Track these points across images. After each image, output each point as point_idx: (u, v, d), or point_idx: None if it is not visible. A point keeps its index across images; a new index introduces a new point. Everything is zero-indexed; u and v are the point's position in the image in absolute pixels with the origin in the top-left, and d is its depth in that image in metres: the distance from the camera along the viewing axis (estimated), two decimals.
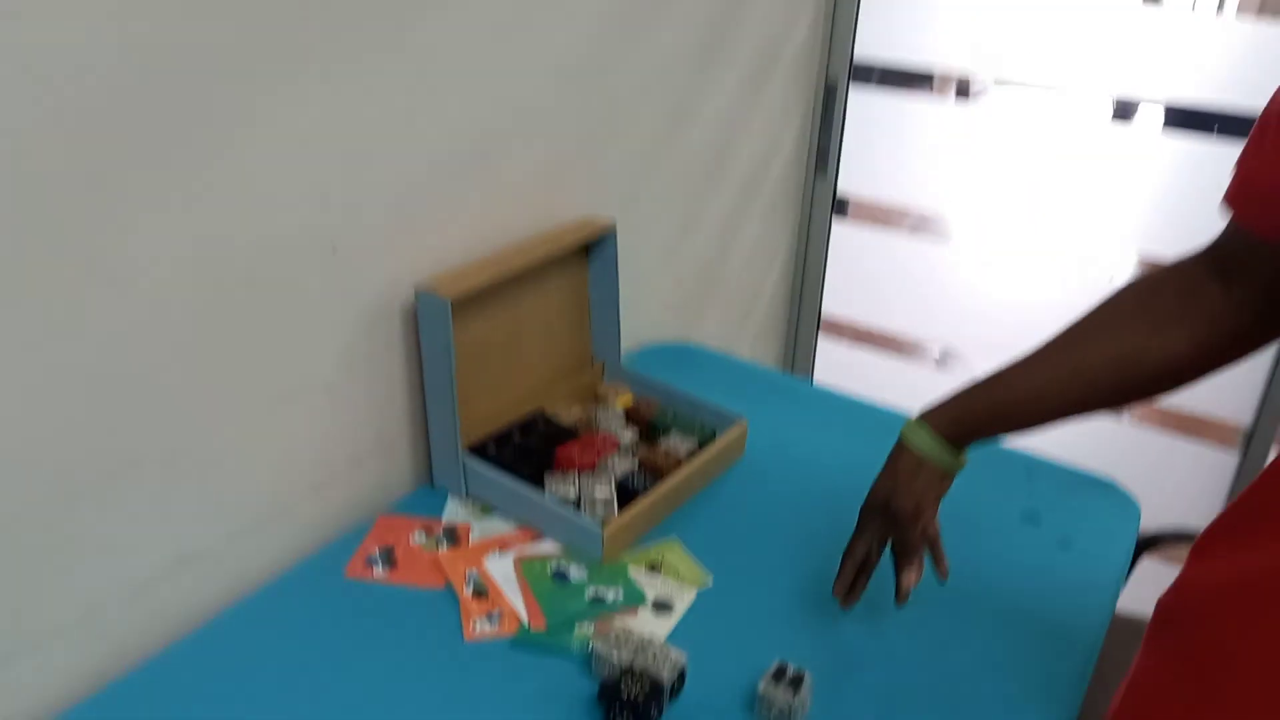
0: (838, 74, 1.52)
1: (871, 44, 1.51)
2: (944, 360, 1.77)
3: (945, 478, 0.77)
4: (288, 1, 0.72)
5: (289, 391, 0.84)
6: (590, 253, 1.11)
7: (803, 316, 1.71)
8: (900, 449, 0.77)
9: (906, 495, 0.76)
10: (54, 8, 0.58)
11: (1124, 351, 0.66)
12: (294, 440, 0.86)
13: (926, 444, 0.75)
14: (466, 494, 0.97)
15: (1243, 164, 0.59)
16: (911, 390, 1.48)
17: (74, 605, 0.73)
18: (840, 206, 1.63)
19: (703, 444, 1.04)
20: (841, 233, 1.66)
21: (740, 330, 1.60)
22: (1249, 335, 0.63)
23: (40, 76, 0.59)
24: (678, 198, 1.32)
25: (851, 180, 1.61)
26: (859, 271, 1.68)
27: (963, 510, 0.87)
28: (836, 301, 1.72)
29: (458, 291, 0.89)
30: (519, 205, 1.03)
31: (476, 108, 0.93)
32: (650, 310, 1.34)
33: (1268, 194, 0.58)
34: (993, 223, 1.58)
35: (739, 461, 1.07)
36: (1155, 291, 0.66)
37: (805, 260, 1.66)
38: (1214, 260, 0.64)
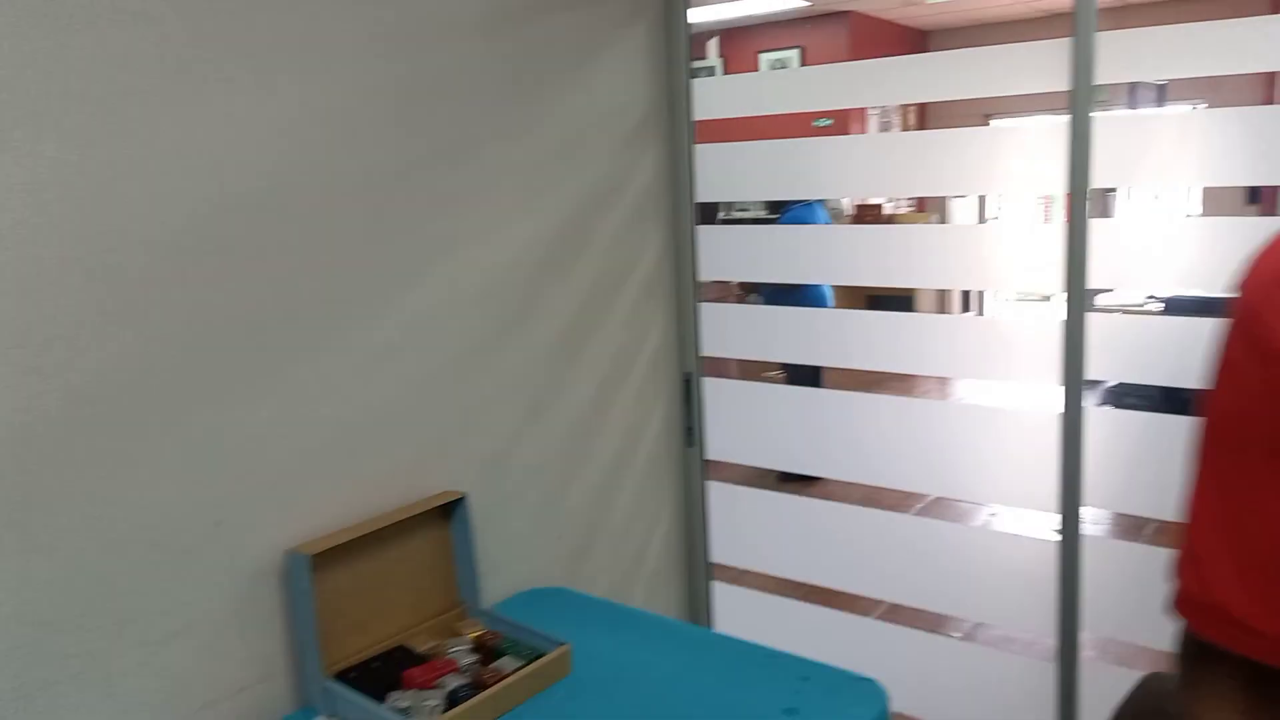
0: (691, 367, 1.91)
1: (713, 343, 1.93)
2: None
3: None
4: (187, 344, 1.13)
5: (182, 629, 1.15)
6: (452, 517, 1.44)
7: (694, 567, 1.97)
8: None
9: None
10: None
11: None
12: (187, 668, 1.16)
13: None
14: (329, 712, 1.23)
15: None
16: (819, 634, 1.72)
17: None
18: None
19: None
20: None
21: (632, 579, 1.87)
22: None
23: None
24: (548, 469, 1.66)
25: (724, 448, 1.95)
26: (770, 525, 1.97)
27: (730, 703, 1.10)
28: (748, 555, 1.99)
29: (318, 549, 1.22)
30: (385, 483, 1.38)
31: (348, 412, 1.32)
32: (530, 561, 1.64)
33: None
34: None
35: (567, 681, 1.31)
36: None
37: (689, 517, 1.96)
38: None
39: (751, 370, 2.61)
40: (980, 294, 7.44)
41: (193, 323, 1.14)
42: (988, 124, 7.12)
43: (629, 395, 1.82)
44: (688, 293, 1.89)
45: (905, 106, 7.69)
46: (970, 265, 1.73)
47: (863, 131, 7.34)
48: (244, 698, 1.23)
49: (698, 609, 1.99)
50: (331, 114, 1.27)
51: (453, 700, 1.21)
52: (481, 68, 1.48)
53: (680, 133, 1.84)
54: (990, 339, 1.71)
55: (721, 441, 1.98)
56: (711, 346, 1.95)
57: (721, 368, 1.98)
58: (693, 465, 1.95)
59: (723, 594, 2.04)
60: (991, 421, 1.74)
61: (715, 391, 1.97)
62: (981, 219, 6.44)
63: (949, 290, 6.97)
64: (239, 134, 1.17)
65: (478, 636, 1.37)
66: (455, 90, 1.44)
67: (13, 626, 1.01)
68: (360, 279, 1.33)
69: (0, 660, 1.00)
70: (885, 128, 7.53)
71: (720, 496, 2.00)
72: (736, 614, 2.02)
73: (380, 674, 1.28)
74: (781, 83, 1.94)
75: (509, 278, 1.56)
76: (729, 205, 6.80)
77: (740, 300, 4.51)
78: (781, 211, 4.65)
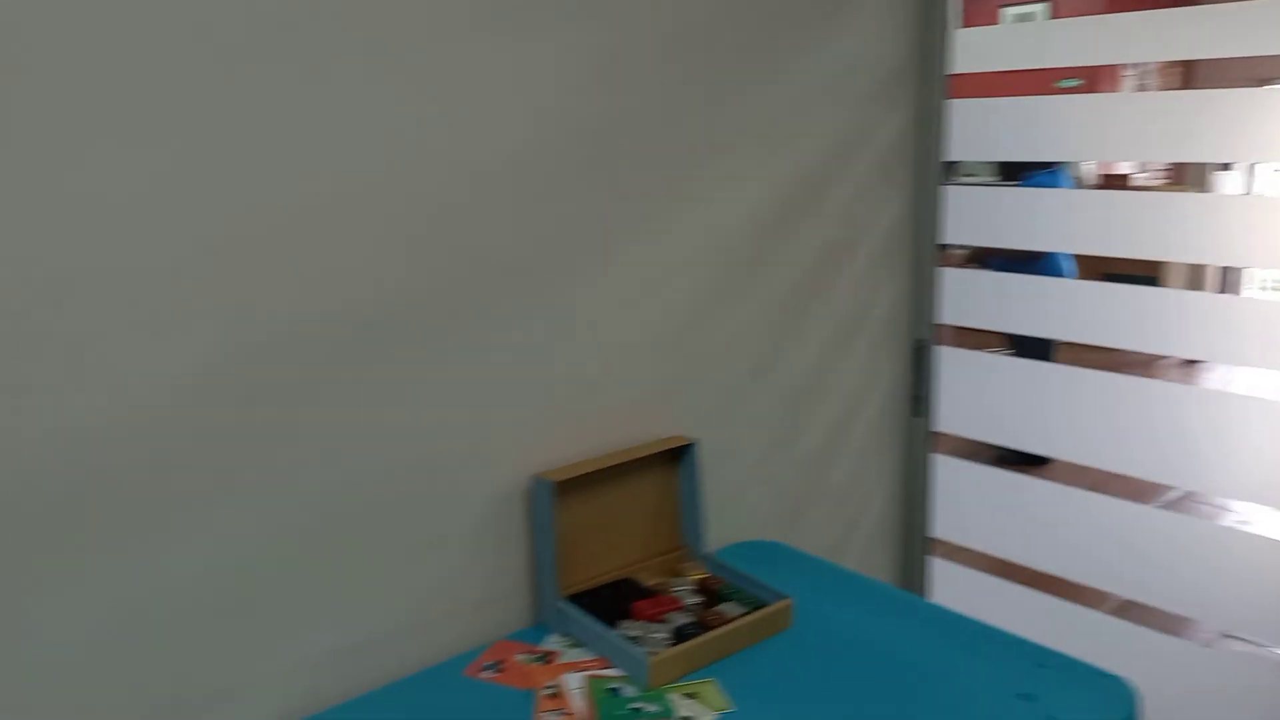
0: (924, 334, 1.84)
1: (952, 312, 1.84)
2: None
3: None
4: (450, 295, 1.22)
5: (438, 541, 1.26)
6: (679, 462, 1.48)
7: (910, 538, 1.92)
8: None
9: None
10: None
11: None
12: (439, 577, 1.27)
13: None
14: (562, 631, 1.31)
15: None
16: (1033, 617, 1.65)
17: (278, 667, 1.15)
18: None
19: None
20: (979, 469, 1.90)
21: (845, 544, 1.84)
22: None
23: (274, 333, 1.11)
24: (769, 424, 1.67)
25: (953, 420, 1.88)
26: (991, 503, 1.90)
27: (957, 677, 1.08)
28: (969, 532, 1.92)
29: (561, 478, 1.29)
30: (619, 423, 1.44)
31: (590, 353, 1.38)
32: (747, 513, 1.65)
33: None
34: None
35: (787, 634, 1.32)
36: None
37: (909, 488, 1.90)
38: None
39: (968, 341, 2.47)
40: (1238, 276, 6.68)
41: (459, 263, 1.23)
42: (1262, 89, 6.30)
43: (857, 357, 1.79)
44: (927, 256, 1.82)
45: (1166, 67, 6.95)
46: (1253, 241, 1.55)
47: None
48: (485, 610, 1.33)
49: (911, 581, 1.95)
50: (591, 68, 1.31)
51: (679, 636, 1.26)
52: (729, 21, 1.47)
53: (932, 87, 1.75)
54: (1270, 322, 1.54)
55: (948, 413, 1.91)
56: (943, 314, 1.87)
57: (936, 336, 1.89)
58: (918, 435, 1.89)
59: (937, 569, 1.98)
60: (1267, 415, 1.56)
61: (944, 361, 1.90)
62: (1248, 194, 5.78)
63: (1204, 271, 6.31)
64: (513, 84, 1.23)
65: (701, 579, 1.41)
66: (703, 44, 1.44)
67: (294, 524, 1.14)
68: (608, 226, 1.37)
69: (279, 556, 1.13)
70: (1142, 91, 6.84)
71: (943, 469, 1.93)
72: (951, 590, 1.96)
73: (608, 602, 1.35)
74: (1042, 35, 1.80)
75: (746, 231, 1.56)
76: (954, 169, 6.45)
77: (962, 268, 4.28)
78: (1020, 178, 4.37)
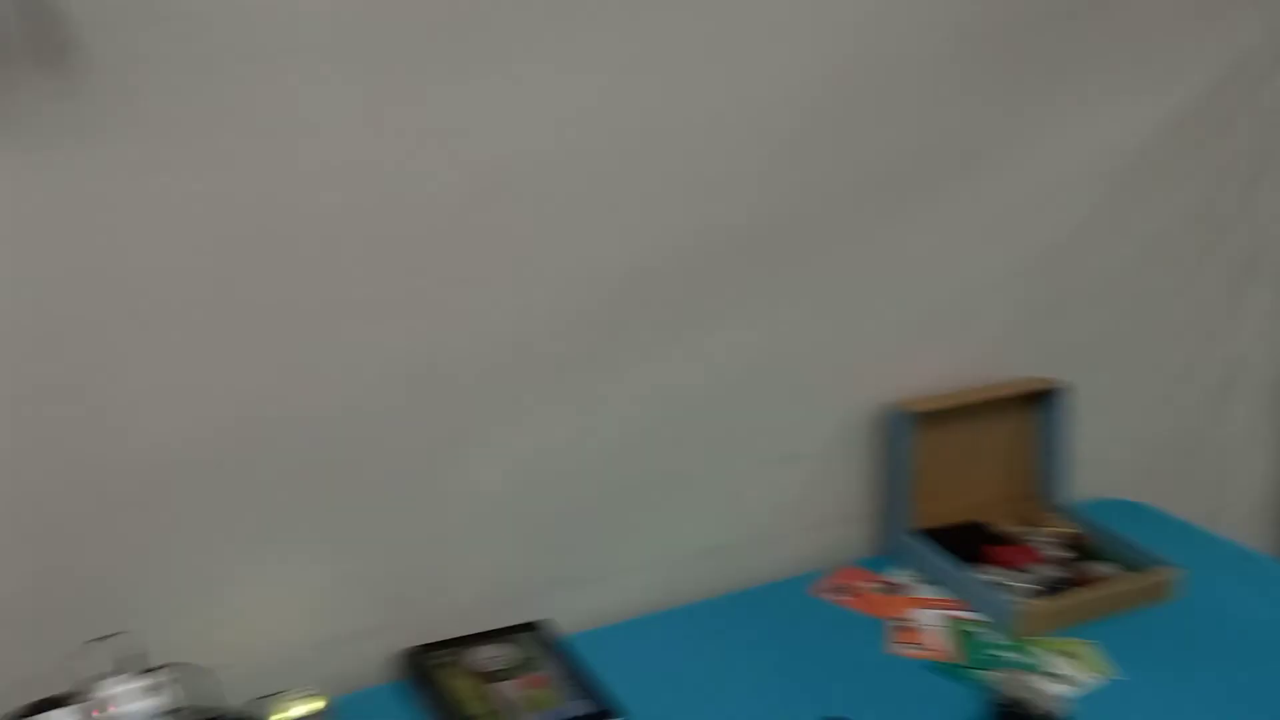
0: None
1: None
2: None
3: None
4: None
5: (792, 457, 1.25)
6: (1043, 405, 1.35)
7: None
8: None
9: None
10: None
11: None
12: (790, 493, 1.27)
13: None
14: (909, 565, 1.26)
15: None
16: None
17: (643, 558, 1.20)
18: None
19: None
20: None
21: (1221, 512, 1.61)
22: None
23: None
24: (1146, 372, 1.49)
25: None
26: None
27: None
28: None
29: (922, 409, 1.23)
30: (983, 360, 1.33)
31: (954, 285, 1.29)
32: (1110, 467, 1.48)
33: None
34: None
35: (1168, 609, 1.18)
36: None
37: None
38: None
39: None
40: None
41: (836, 180, 1.17)
42: None
43: (1258, 304, 1.53)
44: None
45: None
46: None
47: None
48: (829, 532, 1.31)
49: None
50: None
51: (1050, 588, 1.16)
52: None
53: None
54: None
55: None
56: None
57: None
58: None
59: None
60: None
61: None
62: None
63: None
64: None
65: (1068, 533, 1.29)
66: None
67: (667, 422, 1.17)
68: (984, 142, 1.25)
69: (652, 452, 1.17)
70: None
71: None
72: None
73: (957, 543, 1.27)
74: None
75: (1134, 151, 1.36)
76: None
77: None
78: None
